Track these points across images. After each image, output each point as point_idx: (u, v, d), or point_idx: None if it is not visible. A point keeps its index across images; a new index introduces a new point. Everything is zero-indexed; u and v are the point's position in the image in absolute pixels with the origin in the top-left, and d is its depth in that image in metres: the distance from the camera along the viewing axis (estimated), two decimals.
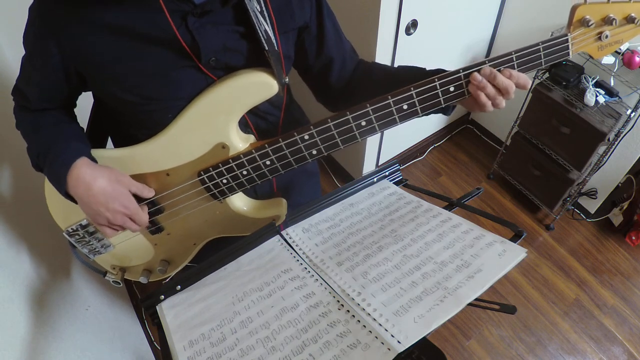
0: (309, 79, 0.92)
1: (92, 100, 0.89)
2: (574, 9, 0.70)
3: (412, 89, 0.71)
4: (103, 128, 0.93)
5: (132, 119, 0.79)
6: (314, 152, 0.76)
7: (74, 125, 0.82)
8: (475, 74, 0.70)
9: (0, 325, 0.85)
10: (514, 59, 0.71)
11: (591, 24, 0.71)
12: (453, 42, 2.03)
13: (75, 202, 0.76)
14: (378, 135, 2.12)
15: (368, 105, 0.72)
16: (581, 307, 1.97)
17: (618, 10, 0.71)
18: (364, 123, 0.73)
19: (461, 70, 0.71)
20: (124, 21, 0.64)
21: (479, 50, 2.22)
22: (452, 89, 0.72)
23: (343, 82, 0.90)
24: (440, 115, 2.70)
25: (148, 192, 0.81)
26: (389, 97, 0.71)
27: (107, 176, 0.74)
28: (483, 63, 0.70)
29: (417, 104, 0.72)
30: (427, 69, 0.81)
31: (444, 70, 0.75)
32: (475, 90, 0.71)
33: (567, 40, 0.71)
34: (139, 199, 0.81)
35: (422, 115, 0.75)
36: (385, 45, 1.70)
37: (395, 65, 1.81)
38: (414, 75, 0.80)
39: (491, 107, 0.73)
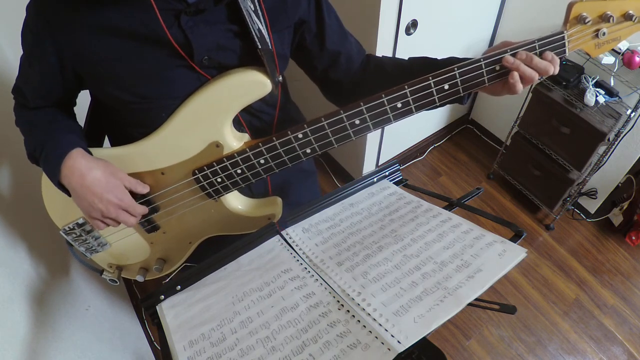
0: (316, 77, 0.91)
1: (90, 98, 0.89)
2: (570, 6, 0.70)
3: (406, 87, 0.71)
4: (100, 127, 0.93)
5: (128, 118, 0.79)
6: (308, 150, 0.76)
7: (72, 122, 0.82)
8: (507, 56, 0.70)
9: (0, 325, 0.85)
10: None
11: (588, 22, 0.70)
12: (453, 42, 2.03)
13: (69, 195, 0.76)
14: (378, 135, 2.13)
15: (362, 104, 0.71)
16: (581, 307, 1.97)
17: (615, 7, 0.70)
18: (357, 122, 0.73)
19: (456, 69, 0.70)
20: (118, 21, 0.65)
21: (479, 50, 2.22)
22: (446, 87, 0.71)
23: (351, 77, 0.89)
24: (440, 115, 2.69)
25: (142, 188, 0.80)
26: (383, 95, 0.71)
27: (102, 168, 0.75)
28: (478, 61, 0.70)
29: (412, 103, 0.72)
30: (439, 58, 0.80)
31: (456, 59, 0.74)
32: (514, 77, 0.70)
33: (563, 38, 0.71)
34: (133, 196, 0.80)
35: (439, 106, 0.75)
36: (385, 45, 1.70)
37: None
38: (427, 67, 0.79)
39: (521, 87, 0.72)
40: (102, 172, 0.74)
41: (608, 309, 1.97)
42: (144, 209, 0.82)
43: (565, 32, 0.71)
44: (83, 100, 0.87)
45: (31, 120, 0.79)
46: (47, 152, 0.74)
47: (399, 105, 0.72)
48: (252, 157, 0.77)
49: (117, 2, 0.63)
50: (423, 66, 0.80)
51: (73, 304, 1.23)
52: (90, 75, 0.72)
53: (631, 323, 1.93)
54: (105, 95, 0.74)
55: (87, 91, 0.84)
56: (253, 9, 0.70)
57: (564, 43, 0.71)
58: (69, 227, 0.89)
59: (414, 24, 1.72)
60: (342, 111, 0.72)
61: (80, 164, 0.73)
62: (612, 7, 0.70)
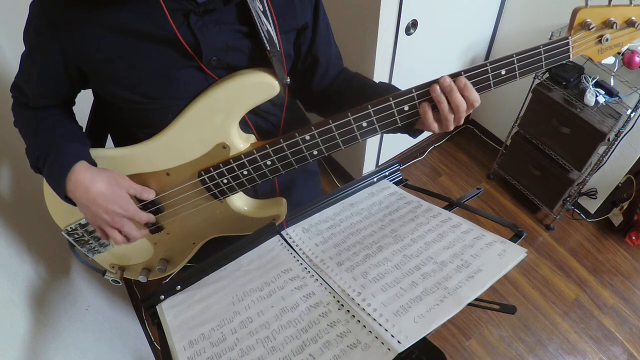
0: (292, 76, 0.91)
1: (92, 98, 0.89)
2: (575, 12, 0.70)
3: (413, 90, 0.71)
4: (103, 126, 0.93)
5: (132, 118, 0.79)
6: (315, 152, 0.76)
7: (73, 125, 0.82)
8: (435, 85, 0.69)
9: (0, 325, 0.85)
10: (515, 62, 0.71)
11: (592, 27, 0.71)
12: (453, 42, 2.03)
13: (75, 205, 0.76)
14: (378, 134, 2.12)
15: (369, 106, 0.72)
16: (581, 307, 1.97)
17: (619, 14, 0.71)
18: (365, 124, 0.73)
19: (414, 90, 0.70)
20: (126, 20, 0.64)
21: (479, 50, 2.22)
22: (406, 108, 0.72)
23: (323, 88, 0.90)
24: None
25: (147, 194, 0.80)
26: (390, 98, 0.71)
27: (106, 179, 0.74)
28: (484, 65, 0.70)
29: (418, 106, 0.72)
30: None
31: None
32: (425, 108, 0.70)
33: (567, 44, 0.72)
34: (139, 202, 0.80)
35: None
36: (385, 45, 1.70)
37: (395, 69, 1.82)
38: (389, 92, 0.79)
39: (437, 129, 0.73)
40: (105, 184, 0.74)
41: (608, 309, 1.97)
42: (149, 217, 0.82)
43: (570, 37, 0.71)
44: (86, 99, 0.87)
45: (32, 124, 0.78)
46: (50, 165, 0.74)
47: (406, 108, 0.72)
48: (258, 158, 0.77)
49: (127, 2, 0.63)
50: (386, 91, 0.81)
51: (73, 304, 1.23)
52: (95, 74, 0.71)
53: (631, 323, 1.93)
54: (111, 95, 0.74)
55: (89, 90, 0.84)
56: (262, 9, 0.70)
57: (569, 49, 0.72)
58: (71, 228, 0.89)
59: (414, 24, 1.72)
60: (349, 113, 0.72)
61: (84, 178, 0.73)
62: (616, 14, 0.71)
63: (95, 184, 0.73)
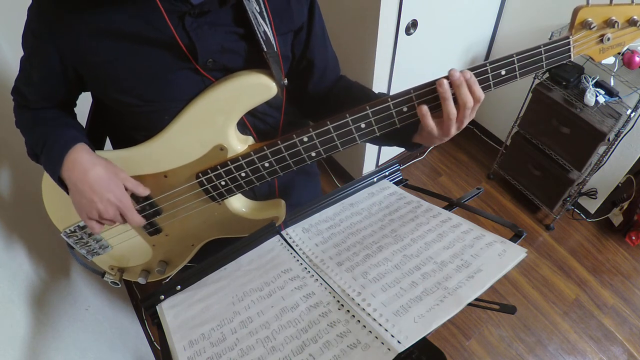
0: (289, 79, 0.91)
1: (91, 100, 0.89)
2: (576, 11, 0.70)
3: (412, 91, 0.71)
4: (101, 128, 0.92)
5: (130, 120, 0.79)
6: (313, 154, 0.76)
7: (74, 121, 0.82)
8: (442, 80, 0.67)
9: (0, 325, 0.85)
10: (515, 62, 0.70)
11: (593, 27, 0.70)
12: (453, 42, 2.03)
13: (67, 192, 0.75)
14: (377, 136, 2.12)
15: (367, 107, 0.71)
16: (581, 307, 1.97)
17: (620, 13, 0.70)
18: (363, 125, 0.73)
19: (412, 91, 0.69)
20: (122, 23, 0.64)
21: (479, 50, 2.22)
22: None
23: (320, 92, 0.88)
24: None
25: (142, 190, 0.80)
26: (389, 99, 0.71)
27: (105, 166, 0.74)
28: (484, 65, 0.70)
29: (416, 107, 0.72)
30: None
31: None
32: (423, 110, 0.69)
33: (568, 43, 0.71)
34: (135, 199, 0.80)
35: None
36: (385, 45, 1.71)
37: (395, 69, 1.82)
38: None
39: (436, 133, 0.71)
40: (104, 170, 0.73)
41: (608, 309, 1.97)
42: (140, 220, 0.80)
43: (570, 37, 0.71)
44: (84, 102, 0.87)
45: (32, 119, 0.78)
46: (49, 146, 0.73)
47: (405, 109, 0.72)
48: (256, 160, 0.77)
49: (123, 3, 0.63)
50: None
51: (73, 304, 1.23)
52: (92, 77, 0.71)
53: (631, 323, 1.93)
54: (108, 98, 0.74)
55: (89, 93, 0.84)
56: (258, 10, 0.69)
57: (570, 48, 0.71)
58: (70, 230, 0.89)
59: (414, 24, 1.72)
60: (348, 115, 0.72)
61: (84, 159, 0.72)
62: (617, 13, 0.70)
63: (95, 167, 0.72)
